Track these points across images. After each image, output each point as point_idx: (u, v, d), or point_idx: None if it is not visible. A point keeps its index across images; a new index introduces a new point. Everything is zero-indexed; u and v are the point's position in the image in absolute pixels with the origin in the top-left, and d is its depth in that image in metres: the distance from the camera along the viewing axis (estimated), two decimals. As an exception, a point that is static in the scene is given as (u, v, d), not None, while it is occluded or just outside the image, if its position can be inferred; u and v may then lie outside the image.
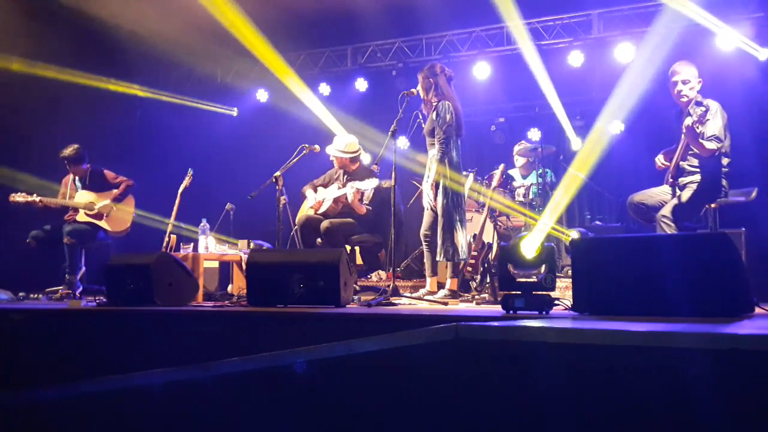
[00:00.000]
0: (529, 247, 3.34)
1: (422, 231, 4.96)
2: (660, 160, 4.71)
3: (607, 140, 6.58)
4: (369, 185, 5.48)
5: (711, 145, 4.33)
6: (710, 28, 6.29)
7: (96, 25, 7.28)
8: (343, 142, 5.76)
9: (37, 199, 6.14)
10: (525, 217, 6.24)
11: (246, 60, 8.75)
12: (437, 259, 4.80)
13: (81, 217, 6.20)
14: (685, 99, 4.54)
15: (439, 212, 4.78)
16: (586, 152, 5.67)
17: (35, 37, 6.84)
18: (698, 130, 4.30)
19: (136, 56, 7.69)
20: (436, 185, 4.79)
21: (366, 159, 6.93)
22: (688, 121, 4.26)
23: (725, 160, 4.49)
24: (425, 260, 5.04)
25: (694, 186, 4.47)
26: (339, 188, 5.71)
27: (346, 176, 5.79)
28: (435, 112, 4.86)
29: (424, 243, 4.99)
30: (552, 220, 4.99)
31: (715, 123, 4.37)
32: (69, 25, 6.98)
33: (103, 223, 6.24)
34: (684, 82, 4.53)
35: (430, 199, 4.87)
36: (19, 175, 6.56)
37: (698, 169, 4.51)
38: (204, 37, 7.91)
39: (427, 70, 4.97)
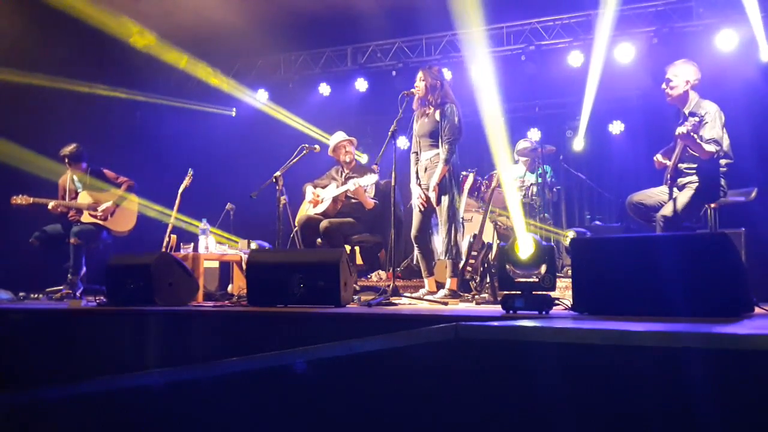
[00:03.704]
0: (524, 246, 3.35)
1: (413, 233, 4.98)
2: (658, 159, 4.72)
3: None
4: (369, 181, 5.50)
5: (710, 148, 4.33)
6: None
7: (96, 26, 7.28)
8: (341, 134, 5.88)
9: (51, 203, 6.16)
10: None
11: (246, 60, 8.77)
12: (440, 257, 4.82)
13: (85, 218, 6.21)
14: (669, 99, 4.58)
15: (444, 212, 4.81)
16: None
17: (36, 45, 6.85)
18: (693, 135, 4.30)
19: (135, 57, 7.69)
20: (440, 186, 4.81)
21: (364, 159, 6.94)
22: (681, 129, 4.28)
23: (723, 161, 4.49)
24: (420, 262, 5.05)
25: (693, 186, 4.47)
26: (337, 187, 5.72)
27: (344, 174, 5.80)
28: (440, 114, 4.87)
29: (415, 245, 5.01)
30: (521, 217, 5.00)
31: (713, 126, 4.38)
32: (69, 27, 6.97)
33: (107, 223, 6.26)
34: (666, 82, 4.56)
35: (422, 200, 4.89)
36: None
37: (696, 171, 4.51)
38: (204, 38, 7.91)
39: (433, 70, 4.99)
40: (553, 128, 8.25)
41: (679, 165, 4.53)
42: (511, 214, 5.21)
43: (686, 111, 4.49)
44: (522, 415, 2.32)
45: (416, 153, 5.05)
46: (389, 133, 4.78)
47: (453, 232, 4.79)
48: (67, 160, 6.27)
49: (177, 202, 6.37)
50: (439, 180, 4.79)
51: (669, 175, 4.54)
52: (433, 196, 4.83)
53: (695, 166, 4.50)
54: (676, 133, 4.33)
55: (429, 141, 4.93)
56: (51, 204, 6.17)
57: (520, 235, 3.42)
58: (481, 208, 6.18)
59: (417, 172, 5.00)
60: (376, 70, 8.31)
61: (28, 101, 7.06)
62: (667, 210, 4.42)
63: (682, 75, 4.53)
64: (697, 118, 4.31)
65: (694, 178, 4.50)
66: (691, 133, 4.23)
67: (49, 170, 6.47)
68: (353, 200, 5.66)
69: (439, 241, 5.77)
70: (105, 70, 7.64)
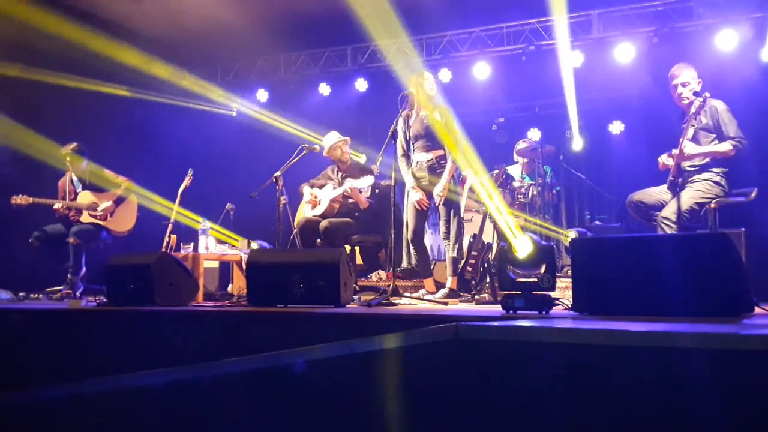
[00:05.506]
0: (521, 246, 3.35)
1: (410, 236, 4.99)
2: (663, 160, 4.72)
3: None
4: (365, 183, 5.50)
5: (727, 147, 4.44)
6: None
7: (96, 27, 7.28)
8: (335, 134, 5.87)
9: (57, 204, 6.16)
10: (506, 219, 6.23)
11: (246, 60, 8.77)
12: (451, 255, 4.87)
13: (85, 218, 6.21)
14: (686, 101, 4.57)
15: (452, 211, 4.88)
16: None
17: (39, 42, 6.85)
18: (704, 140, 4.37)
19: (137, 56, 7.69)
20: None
21: (362, 159, 6.93)
22: (688, 149, 4.37)
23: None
24: (418, 263, 5.06)
25: (695, 186, 4.48)
26: (335, 188, 5.71)
27: (341, 174, 5.80)
28: (441, 115, 4.90)
29: (412, 247, 5.01)
30: (511, 220, 5.02)
31: (732, 123, 4.47)
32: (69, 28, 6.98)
33: (107, 223, 6.26)
34: (683, 85, 4.56)
35: (424, 202, 4.90)
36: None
37: (699, 169, 4.52)
38: (204, 38, 7.91)
39: (431, 74, 5.04)
40: (553, 128, 8.24)
41: (682, 164, 4.54)
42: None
43: (693, 111, 4.50)
44: (522, 415, 2.32)
45: (406, 155, 5.04)
46: (389, 133, 4.78)
47: (458, 230, 4.88)
48: (68, 159, 6.28)
49: (177, 202, 6.37)
50: (449, 178, 4.82)
51: (672, 175, 4.55)
52: (443, 195, 4.83)
53: (698, 164, 4.52)
54: (683, 149, 4.41)
55: (429, 142, 4.93)
56: (57, 205, 6.18)
57: (512, 237, 3.43)
58: (482, 207, 6.18)
59: (414, 174, 4.99)
60: (376, 70, 8.30)
61: (29, 98, 7.06)
62: (668, 211, 4.41)
63: (693, 77, 4.58)
64: (706, 113, 4.36)
65: (697, 177, 4.51)
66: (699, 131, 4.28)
67: (56, 159, 6.45)
68: (351, 201, 5.66)
69: (431, 241, 5.76)
70: (106, 68, 7.63)
